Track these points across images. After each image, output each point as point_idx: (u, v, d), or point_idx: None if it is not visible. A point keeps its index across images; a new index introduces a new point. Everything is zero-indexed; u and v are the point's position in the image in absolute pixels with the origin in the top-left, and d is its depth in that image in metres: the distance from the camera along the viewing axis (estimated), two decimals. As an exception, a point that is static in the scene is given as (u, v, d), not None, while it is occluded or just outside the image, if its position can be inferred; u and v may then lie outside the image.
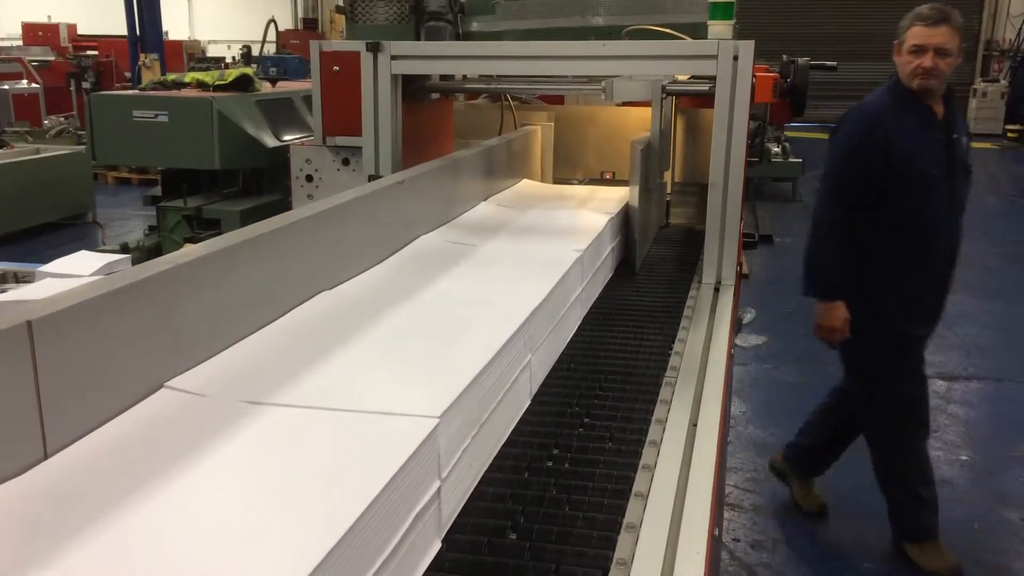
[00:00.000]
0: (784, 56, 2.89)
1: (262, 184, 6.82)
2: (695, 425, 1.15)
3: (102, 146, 6.60)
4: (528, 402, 1.29)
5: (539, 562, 0.91)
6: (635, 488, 0.98)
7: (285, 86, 7.78)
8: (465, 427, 1.05)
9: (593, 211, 2.01)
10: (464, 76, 2.35)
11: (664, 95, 2.04)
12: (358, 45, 2.45)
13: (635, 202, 1.93)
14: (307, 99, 7.44)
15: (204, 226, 6.49)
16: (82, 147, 8.67)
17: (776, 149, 9.28)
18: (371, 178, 1.95)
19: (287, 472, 0.87)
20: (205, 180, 6.74)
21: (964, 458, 4.33)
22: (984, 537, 3.68)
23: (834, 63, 2.11)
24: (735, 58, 1.71)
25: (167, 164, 6.62)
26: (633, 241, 1.96)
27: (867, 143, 2.61)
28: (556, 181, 2.95)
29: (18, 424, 0.76)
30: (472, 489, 1.05)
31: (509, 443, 1.10)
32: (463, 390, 1.05)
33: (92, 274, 4.25)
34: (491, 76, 1.95)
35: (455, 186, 1.88)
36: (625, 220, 2.01)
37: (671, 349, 1.46)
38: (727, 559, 3.52)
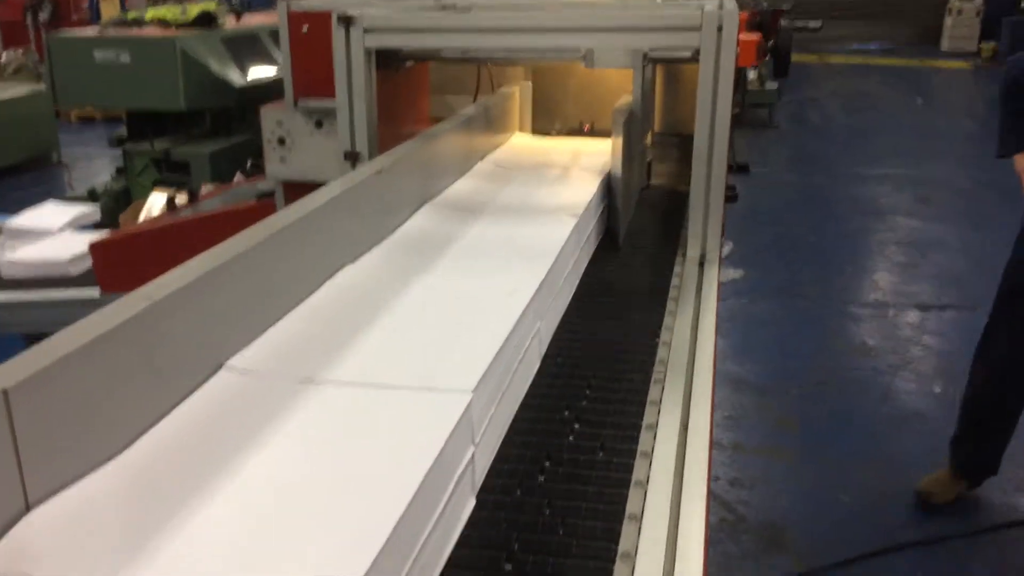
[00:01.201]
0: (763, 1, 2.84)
1: (231, 124, 6.67)
2: (686, 428, 1.15)
3: (63, 90, 6.41)
4: (538, 363, 1.41)
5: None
6: (628, 510, 0.98)
7: (250, 20, 7.56)
8: (492, 395, 1.17)
9: (578, 180, 1.98)
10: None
11: (646, 62, 1.99)
12: (327, 3, 2.38)
13: (618, 172, 1.90)
14: (274, 34, 7.23)
15: (172, 169, 6.37)
16: (42, 86, 8.41)
17: (752, 75, 9.18)
18: (347, 155, 1.90)
19: (349, 449, 0.98)
20: (171, 121, 6.58)
21: (937, 391, 4.42)
22: (956, 469, 3.76)
23: (819, 23, 2.06)
24: (719, 29, 1.66)
25: (131, 106, 6.45)
26: (616, 211, 1.93)
27: None
28: (534, 133, 2.90)
29: None
30: (498, 449, 1.17)
31: (499, 458, 1.09)
32: (489, 364, 1.16)
33: (61, 227, 4.19)
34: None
35: (435, 164, 1.84)
36: (608, 188, 1.99)
37: (658, 338, 1.45)
38: (708, 500, 3.59)
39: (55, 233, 4.08)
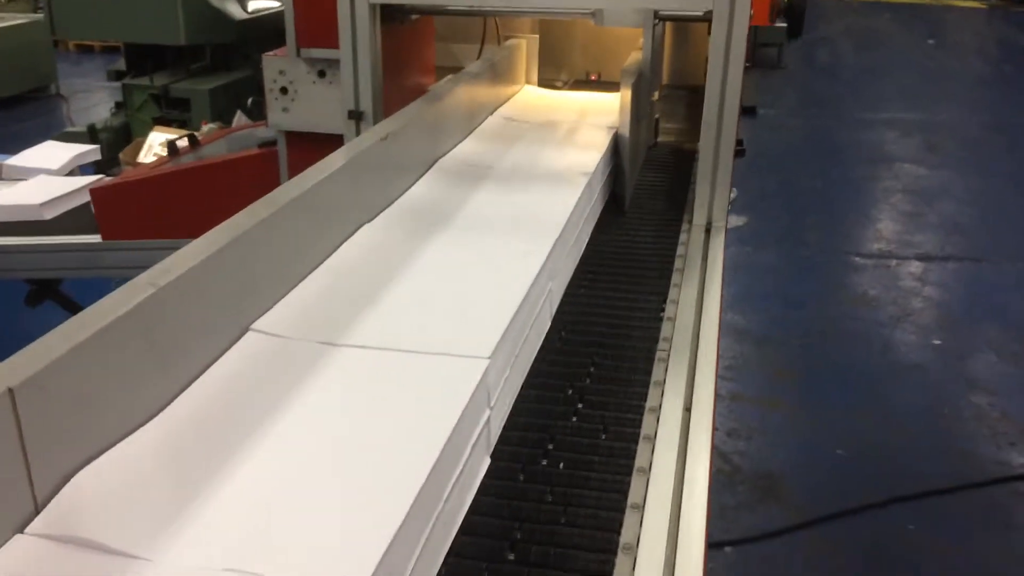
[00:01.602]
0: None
1: (231, 59, 6.57)
2: (688, 410, 1.16)
3: (61, 19, 6.30)
4: (549, 323, 1.43)
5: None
6: (631, 499, 0.99)
7: (251, -49, 7.39)
8: (506, 359, 1.20)
9: (586, 140, 1.96)
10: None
11: (656, 21, 1.94)
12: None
13: (625, 135, 1.87)
14: (275, -35, 7.09)
15: (172, 105, 6.30)
16: (40, 14, 8.26)
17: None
18: (351, 114, 1.87)
19: (374, 413, 1.03)
20: (171, 55, 6.48)
21: (937, 342, 4.43)
22: (952, 423, 3.80)
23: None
24: (733, -9, 1.62)
25: (130, 39, 6.35)
26: (623, 174, 1.91)
27: None
28: (541, 84, 2.85)
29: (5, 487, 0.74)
30: (510, 410, 1.21)
31: (502, 440, 1.10)
32: (505, 328, 1.18)
33: (60, 167, 4.16)
34: None
35: (442, 124, 1.82)
36: (616, 149, 1.96)
37: (663, 312, 1.45)
38: (705, 450, 3.63)
39: (56, 171, 4.06)
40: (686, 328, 1.36)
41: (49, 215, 2.99)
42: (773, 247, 5.54)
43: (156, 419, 0.96)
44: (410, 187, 1.64)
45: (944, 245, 5.55)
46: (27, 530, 0.75)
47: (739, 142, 2.22)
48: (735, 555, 3.08)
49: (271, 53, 2.51)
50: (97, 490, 0.82)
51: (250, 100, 5.68)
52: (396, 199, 1.58)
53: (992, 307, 4.80)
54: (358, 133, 1.88)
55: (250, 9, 6.48)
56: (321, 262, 1.33)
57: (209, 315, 1.02)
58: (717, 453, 3.59)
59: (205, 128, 5.70)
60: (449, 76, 2.40)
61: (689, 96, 2.88)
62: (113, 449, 0.88)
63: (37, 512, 0.75)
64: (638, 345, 1.34)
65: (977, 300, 4.89)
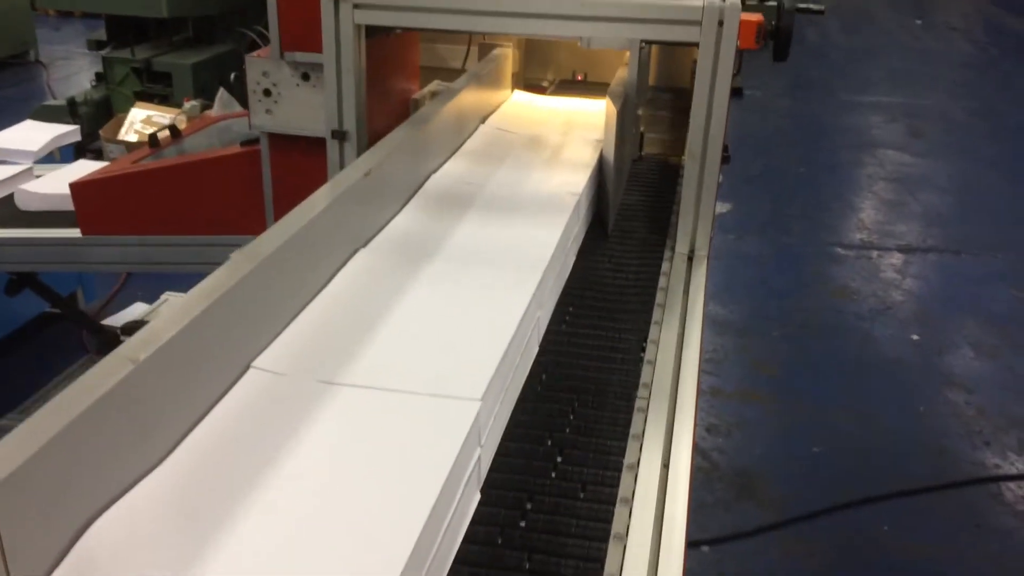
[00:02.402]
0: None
1: (214, 33, 6.48)
2: (666, 467, 1.17)
3: (40, -11, 6.19)
4: (536, 350, 1.45)
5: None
6: (607, 570, 1.00)
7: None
8: (496, 395, 1.22)
9: (572, 160, 1.96)
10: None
11: (643, 44, 1.93)
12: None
13: (610, 159, 1.86)
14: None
15: (154, 79, 6.22)
16: (18, -21, 8.09)
17: None
18: (334, 134, 1.85)
19: (372, 453, 1.06)
20: (153, 27, 6.38)
21: (915, 337, 4.47)
22: (928, 419, 3.86)
23: (822, 7, 2.00)
24: (720, 23, 1.61)
25: (110, 10, 6.24)
26: (607, 197, 1.91)
27: None
28: (527, 85, 2.83)
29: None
30: (498, 444, 1.24)
31: (481, 503, 1.11)
32: (495, 369, 1.21)
33: (40, 148, 4.11)
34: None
35: (427, 149, 1.81)
36: (601, 168, 1.96)
37: (643, 353, 1.45)
38: (684, 446, 3.67)
39: (35, 152, 4.01)
40: (666, 373, 1.37)
41: None
42: (756, 235, 5.56)
43: (167, 460, 1.00)
44: (394, 217, 1.63)
45: (925, 236, 5.59)
46: None
47: (725, 148, 2.21)
48: (712, 554, 3.13)
49: (254, 54, 2.48)
50: (113, 538, 0.86)
51: (232, 75, 5.61)
52: (381, 230, 1.58)
53: (970, 300, 4.85)
54: (341, 153, 1.86)
55: (234, -19, 6.38)
56: (305, 305, 1.33)
57: (189, 386, 1.02)
58: (696, 450, 3.63)
59: (187, 105, 5.64)
60: (435, 87, 2.39)
61: (675, 100, 2.87)
62: (126, 495, 0.92)
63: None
64: (618, 392, 1.35)
65: (956, 293, 4.94)
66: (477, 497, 1.13)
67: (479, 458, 1.14)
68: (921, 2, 13.30)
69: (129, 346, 0.93)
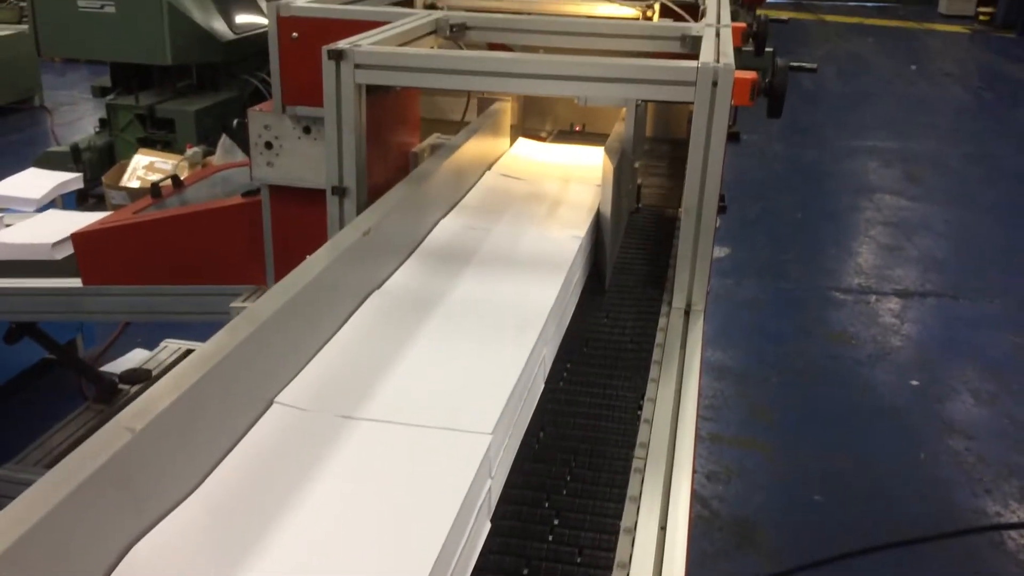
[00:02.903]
0: (759, 14, 2.81)
1: (217, 80, 6.56)
2: (663, 529, 1.17)
3: (46, 38, 6.28)
4: (542, 387, 1.50)
5: None
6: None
7: (238, -30, 7.38)
8: (506, 429, 1.27)
9: (568, 220, 1.98)
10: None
11: (639, 102, 1.96)
12: (320, 11, 2.32)
13: (607, 212, 1.88)
14: (262, -16, 7.08)
15: (157, 125, 6.28)
16: (25, 25, 8.20)
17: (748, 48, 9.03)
18: (334, 190, 1.88)
19: (389, 485, 1.11)
20: (157, 73, 6.46)
21: (914, 383, 4.47)
22: (929, 466, 3.85)
23: (814, 65, 2.04)
24: (714, 84, 1.64)
25: (115, 58, 6.32)
26: (604, 251, 1.93)
27: None
28: (525, 134, 2.86)
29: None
30: (507, 475, 1.28)
31: (479, 568, 1.11)
32: (505, 403, 1.27)
33: (42, 196, 4.14)
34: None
35: (426, 206, 1.83)
36: (598, 222, 1.98)
37: (640, 411, 1.46)
38: (684, 495, 3.65)
39: (38, 200, 4.04)
40: (662, 432, 1.37)
41: (60, 255, 2.97)
42: (754, 279, 5.57)
43: (199, 489, 1.05)
44: (394, 272, 1.65)
45: (923, 281, 5.61)
46: None
47: (721, 197, 2.23)
48: (712, 605, 3.10)
49: (256, 108, 2.51)
50: (150, 566, 0.92)
51: (235, 121, 5.66)
52: (382, 284, 1.59)
53: (969, 346, 4.85)
54: (341, 209, 1.88)
55: (237, 30, 6.47)
56: (303, 367, 1.33)
57: (186, 454, 1.02)
58: (697, 498, 3.61)
59: (190, 151, 5.70)
60: (434, 141, 2.42)
61: (672, 150, 2.90)
62: (161, 523, 0.97)
63: None
64: (615, 452, 1.35)
65: (955, 338, 4.95)
66: (487, 526, 1.17)
67: (490, 489, 1.18)
68: (915, 48, 13.47)
69: (126, 415, 0.94)
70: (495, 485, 1.22)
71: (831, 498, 3.61)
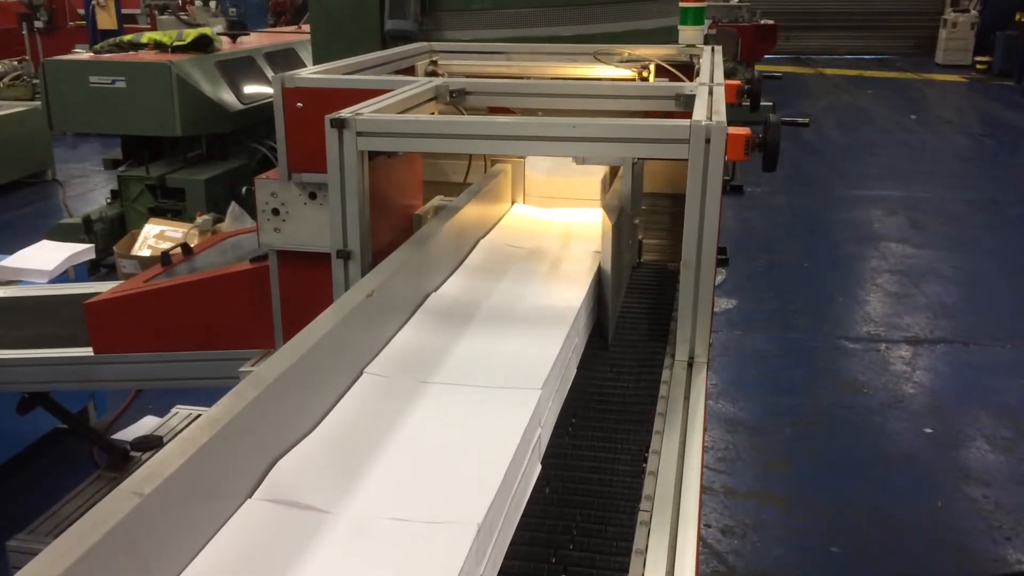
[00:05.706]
0: (753, 72, 2.86)
1: (226, 149, 6.68)
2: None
3: (59, 113, 6.42)
4: (539, 467, 1.45)
5: None
6: None
7: (245, 42, 7.56)
8: (496, 517, 1.23)
9: (571, 273, 2.01)
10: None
11: (636, 160, 2.00)
12: (323, 81, 2.39)
13: (608, 271, 1.91)
14: (269, 55, 7.25)
15: (168, 195, 6.38)
16: (38, 101, 8.39)
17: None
18: (339, 253, 1.91)
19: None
20: (167, 144, 6.58)
21: (928, 431, 4.44)
22: (947, 515, 3.80)
23: (807, 120, 2.08)
24: (707, 140, 1.68)
25: (126, 131, 6.45)
26: (606, 308, 1.95)
27: None
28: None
29: None
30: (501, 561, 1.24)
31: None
32: (495, 494, 1.21)
33: (55, 268, 4.21)
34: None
35: (427, 267, 1.86)
36: (599, 280, 2.00)
37: (645, 464, 1.47)
38: (699, 550, 3.61)
39: (50, 272, 4.11)
40: (668, 484, 1.38)
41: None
42: (763, 330, 5.57)
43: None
44: (396, 333, 1.67)
45: (933, 327, 5.60)
46: None
47: (722, 250, 2.26)
48: (730, 663, 3.05)
49: (263, 176, 2.57)
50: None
51: (244, 188, 5.77)
52: (383, 348, 1.62)
53: (981, 392, 4.82)
54: (346, 272, 1.91)
55: (245, 100, 6.60)
56: (310, 431, 1.35)
57: (194, 516, 1.04)
58: (711, 553, 3.57)
59: (200, 219, 5.78)
60: (437, 203, 2.46)
61: (672, 204, 2.93)
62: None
63: None
64: (621, 505, 1.36)
65: (967, 384, 4.92)
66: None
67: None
68: (915, 98, 13.62)
69: (134, 479, 0.95)
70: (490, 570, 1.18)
71: (848, 549, 3.56)
